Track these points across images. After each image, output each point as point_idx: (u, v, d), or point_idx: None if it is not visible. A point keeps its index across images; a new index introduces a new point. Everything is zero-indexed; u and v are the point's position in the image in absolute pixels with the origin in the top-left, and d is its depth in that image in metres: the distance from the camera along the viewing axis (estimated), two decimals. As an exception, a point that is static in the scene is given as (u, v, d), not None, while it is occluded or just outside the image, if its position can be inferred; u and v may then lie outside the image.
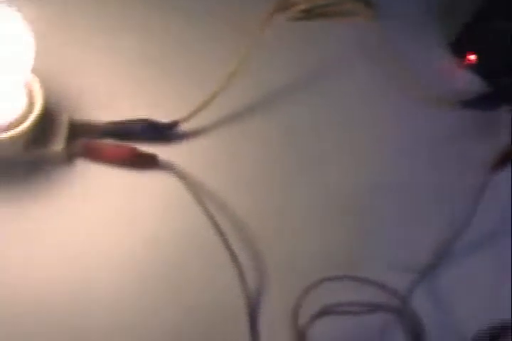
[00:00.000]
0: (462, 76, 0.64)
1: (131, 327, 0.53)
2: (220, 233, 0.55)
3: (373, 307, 0.55)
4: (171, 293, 0.54)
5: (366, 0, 0.63)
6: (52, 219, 0.55)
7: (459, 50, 0.64)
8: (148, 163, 0.57)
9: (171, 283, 0.54)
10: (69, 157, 0.57)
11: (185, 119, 0.58)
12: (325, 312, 0.54)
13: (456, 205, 0.59)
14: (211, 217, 0.55)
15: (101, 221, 0.56)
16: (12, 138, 0.53)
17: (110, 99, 0.59)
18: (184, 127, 0.59)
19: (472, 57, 0.63)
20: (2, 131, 0.53)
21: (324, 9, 0.63)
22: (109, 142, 0.57)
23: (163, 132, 0.58)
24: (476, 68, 0.64)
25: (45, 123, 0.55)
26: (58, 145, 0.55)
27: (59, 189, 0.56)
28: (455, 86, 0.63)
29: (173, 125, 0.58)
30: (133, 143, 0.57)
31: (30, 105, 0.54)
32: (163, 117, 0.58)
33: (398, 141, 0.62)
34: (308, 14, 0.63)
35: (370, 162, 0.60)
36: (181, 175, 0.57)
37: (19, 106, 0.54)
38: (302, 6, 0.62)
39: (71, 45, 0.61)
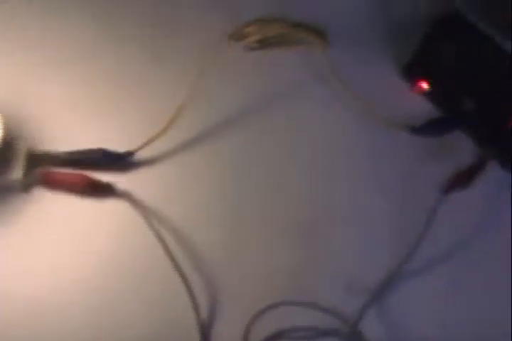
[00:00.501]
0: (414, 101, 0.65)
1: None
2: (172, 258, 0.56)
3: (322, 333, 0.56)
4: (121, 314, 0.56)
5: (317, 29, 0.65)
6: (7, 244, 0.57)
7: (410, 76, 0.65)
8: (104, 191, 0.59)
9: (122, 304, 0.56)
10: (26, 186, 0.59)
11: (140, 149, 0.60)
12: (274, 338, 0.56)
13: (408, 228, 0.60)
14: (164, 243, 0.57)
15: (56, 246, 0.58)
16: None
17: (67, 129, 0.61)
18: (139, 156, 0.60)
19: (424, 84, 0.64)
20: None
21: (277, 39, 0.65)
22: (66, 171, 0.59)
23: (118, 161, 0.60)
24: (428, 94, 0.65)
25: (3, 152, 0.57)
26: (16, 174, 0.57)
27: (15, 216, 0.58)
28: (407, 111, 0.64)
29: (128, 154, 0.60)
30: (90, 172, 0.59)
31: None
32: (118, 147, 0.60)
33: (351, 164, 0.63)
34: (262, 44, 0.65)
35: (321, 186, 0.62)
36: (135, 203, 0.59)
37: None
38: (256, 37, 0.64)
39: (32, 76, 0.63)
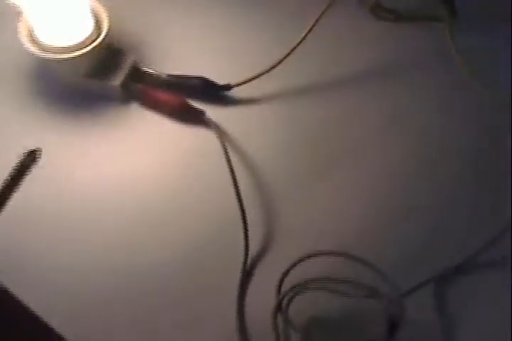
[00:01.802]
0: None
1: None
2: (237, 192, 0.57)
3: (368, 292, 0.54)
4: (176, 224, 0.58)
5: (452, 8, 0.65)
6: (94, 144, 0.61)
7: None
8: (195, 117, 0.61)
9: (179, 216, 0.58)
10: (124, 96, 0.62)
11: (238, 85, 0.61)
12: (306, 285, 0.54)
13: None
14: (232, 173, 0.57)
15: (138, 157, 0.60)
16: (76, 59, 0.58)
17: (177, 54, 0.64)
18: (235, 92, 0.62)
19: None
20: (68, 52, 0.58)
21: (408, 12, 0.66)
22: (164, 91, 0.62)
23: (215, 92, 0.62)
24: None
25: (111, 59, 0.61)
26: (116, 80, 0.60)
27: (107, 121, 0.61)
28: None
29: (226, 87, 0.62)
30: (186, 98, 0.61)
31: (97, 32, 0.60)
32: (218, 79, 0.62)
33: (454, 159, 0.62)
34: (394, 15, 0.67)
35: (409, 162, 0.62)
36: (220, 134, 0.60)
37: (85, 30, 0.59)
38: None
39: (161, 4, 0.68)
